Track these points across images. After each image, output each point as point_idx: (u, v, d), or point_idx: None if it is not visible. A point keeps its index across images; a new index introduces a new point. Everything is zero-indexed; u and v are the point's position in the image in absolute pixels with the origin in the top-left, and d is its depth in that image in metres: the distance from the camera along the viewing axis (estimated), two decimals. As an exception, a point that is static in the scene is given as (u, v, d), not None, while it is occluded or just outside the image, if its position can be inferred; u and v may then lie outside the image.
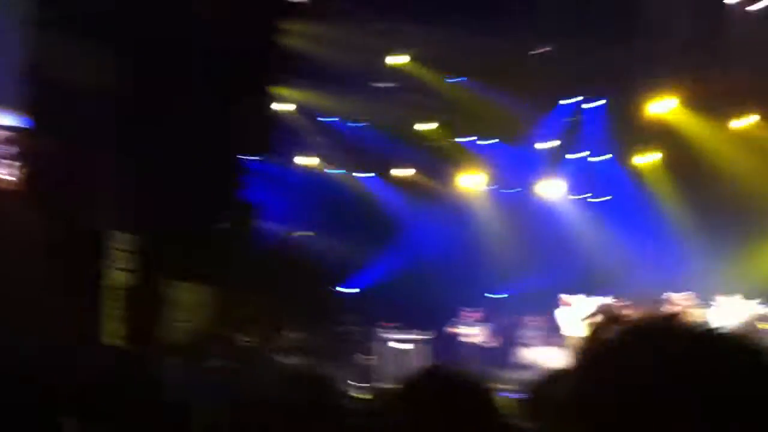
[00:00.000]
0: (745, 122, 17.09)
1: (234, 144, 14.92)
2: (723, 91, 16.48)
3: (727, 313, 15.16)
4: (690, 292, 15.49)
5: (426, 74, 16.58)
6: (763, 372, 1.00)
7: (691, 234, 17.22)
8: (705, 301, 15.52)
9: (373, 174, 18.03)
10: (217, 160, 14.17)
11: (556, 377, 3.53)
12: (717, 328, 1.04)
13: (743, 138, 17.07)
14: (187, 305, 12.94)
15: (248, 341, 12.35)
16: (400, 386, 2.41)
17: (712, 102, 16.72)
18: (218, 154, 14.11)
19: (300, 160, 17.32)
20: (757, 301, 15.30)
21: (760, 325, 14.95)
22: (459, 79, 16.98)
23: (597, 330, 1.09)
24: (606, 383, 1.04)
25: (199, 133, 13.13)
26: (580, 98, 17.59)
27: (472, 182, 18.14)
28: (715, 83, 16.36)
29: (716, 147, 17.06)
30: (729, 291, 15.43)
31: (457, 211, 17.93)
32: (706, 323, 1.03)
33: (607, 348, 1.08)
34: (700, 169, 17.16)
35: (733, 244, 16.29)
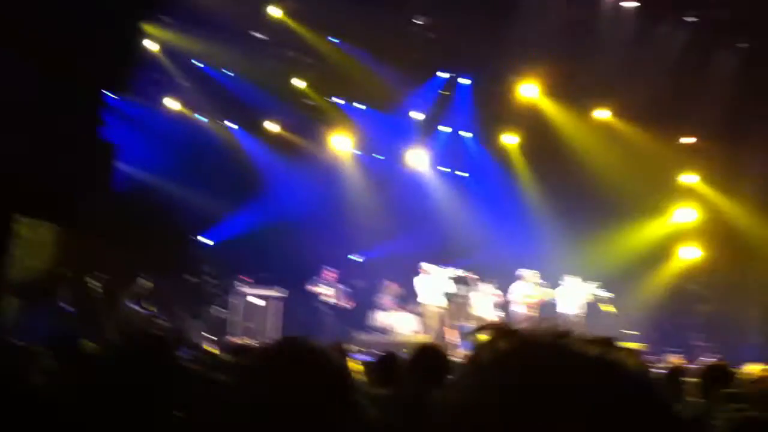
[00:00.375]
0: (602, 114, 17.84)
1: (93, 79, 14.19)
2: (583, 82, 17.16)
3: (570, 293, 15.92)
4: (537, 271, 16.12)
5: (303, 31, 16.30)
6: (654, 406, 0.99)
7: (544, 216, 17.91)
8: (552, 281, 16.21)
9: (240, 125, 17.59)
10: (74, 94, 13.43)
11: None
12: (606, 353, 1.02)
13: (599, 129, 17.84)
14: (34, 243, 12.25)
15: (98, 286, 11.79)
16: (255, 353, 2.46)
17: (572, 92, 17.38)
18: (75, 87, 13.38)
19: (164, 103, 16.64)
20: (596, 284, 16.12)
21: (603, 307, 15.79)
22: (335, 40, 16.81)
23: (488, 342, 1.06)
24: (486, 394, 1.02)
25: (53, 64, 12.40)
26: (451, 74, 17.83)
27: (340, 144, 18.06)
28: (576, 74, 17.01)
29: (573, 135, 17.75)
30: (572, 273, 16.18)
31: (323, 172, 17.82)
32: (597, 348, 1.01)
33: (493, 360, 1.05)
34: (556, 155, 17.81)
35: (580, 230, 17.06)
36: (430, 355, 4.56)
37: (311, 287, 15.72)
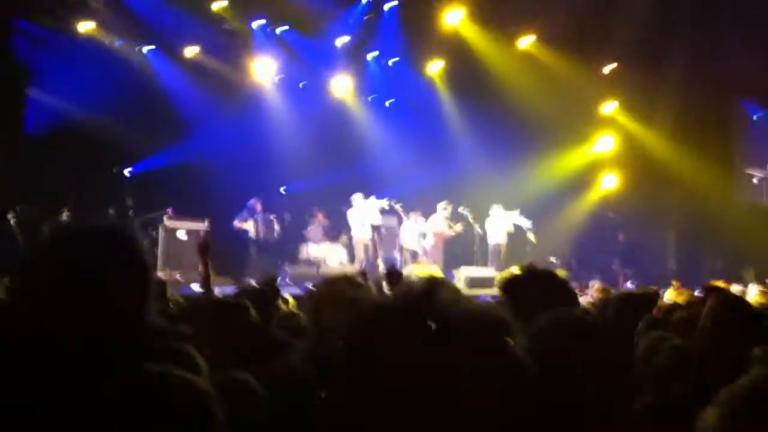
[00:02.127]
0: (526, 40, 17.87)
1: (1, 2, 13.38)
2: (507, 7, 17.10)
3: (497, 222, 16.17)
4: (449, 203, 16.24)
5: (221, -51, 15.65)
6: None
7: (469, 144, 18.02)
8: (479, 210, 16.39)
9: (158, 50, 16.86)
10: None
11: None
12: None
13: (523, 57, 17.90)
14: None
15: (16, 220, 11.32)
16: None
17: (496, 17, 17.31)
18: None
19: (76, 26, 15.77)
20: (516, 212, 16.40)
21: (529, 235, 16.12)
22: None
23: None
24: None
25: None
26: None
27: (262, 71, 17.56)
28: (499, 0, 16.94)
29: (497, 62, 17.76)
30: (497, 202, 16.40)
31: (246, 100, 17.35)
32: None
33: None
34: (480, 82, 17.83)
35: (504, 158, 17.25)
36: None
37: (237, 222, 15.48)
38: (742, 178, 19.14)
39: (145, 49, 16.58)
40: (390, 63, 18.71)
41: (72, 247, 1.84)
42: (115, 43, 16.05)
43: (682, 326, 5.06)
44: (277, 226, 15.49)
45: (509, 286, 3.28)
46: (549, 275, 3.34)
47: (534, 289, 3.14)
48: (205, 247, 5.80)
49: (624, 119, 18.61)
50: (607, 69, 18.55)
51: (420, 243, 16.29)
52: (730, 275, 13.64)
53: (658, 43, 17.23)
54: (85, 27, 15.65)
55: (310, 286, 9.56)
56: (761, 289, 9.66)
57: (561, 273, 11.97)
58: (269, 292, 6.27)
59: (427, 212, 16.52)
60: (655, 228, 18.19)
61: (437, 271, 13.82)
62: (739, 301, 4.90)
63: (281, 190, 17.67)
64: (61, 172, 13.98)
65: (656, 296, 7.72)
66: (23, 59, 14.42)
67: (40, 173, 13.60)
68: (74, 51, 15.18)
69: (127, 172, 15.49)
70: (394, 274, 8.54)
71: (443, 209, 16.25)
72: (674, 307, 8.14)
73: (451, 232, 16.26)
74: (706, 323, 4.28)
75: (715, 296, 5.33)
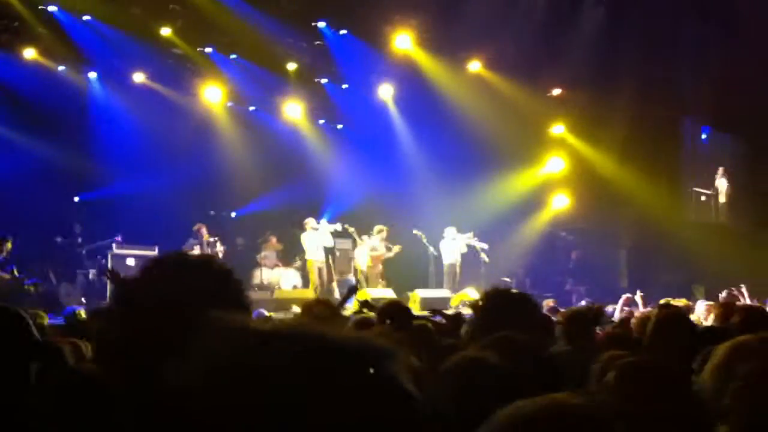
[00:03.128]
0: (474, 66, 18.08)
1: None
2: (454, 33, 17.30)
3: (450, 244, 16.22)
4: (384, 226, 16.27)
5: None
6: None
7: (420, 167, 18.08)
8: (431, 232, 16.41)
9: (103, 76, 16.65)
10: None
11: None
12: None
13: (473, 81, 18.08)
14: None
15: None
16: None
17: (444, 43, 17.50)
18: None
19: (21, 53, 15.50)
20: (470, 234, 16.47)
21: (482, 256, 16.19)
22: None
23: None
24: None
25: None
26: (326, 23, 17.53)
27: (212, 96, 17.45)
28: (447, 25, 17.11)
29: (447, 87, 17.91)
30: (450, 224, 16.47)
31: (197, 125, 17.21)
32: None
33: None
34: (431, 106, 17.96)
35: (456, 181, 17.34)
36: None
37: (186, 247, 15.24)
38: (690, 196, 19.51)
39: (91, 75, 16.37)
40: (339, 87, 18.74)
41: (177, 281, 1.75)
42: (58, 68, 15.80)
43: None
44: (220, 247, 15.21)
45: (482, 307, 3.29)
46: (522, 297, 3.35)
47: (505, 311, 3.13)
48: (113, 277, 5.85)
49: (573, 140, 18.86)
50: (555, 92, 18.82)
51: (376, 266, 16.25)
52: (682, 292, 13.80)
53: (605, 66, 17.52)
54: (30, 54, 15.43)
55: (263, 311, 9.48)
56: (708, 305, 9.77)
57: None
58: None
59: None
60: (606, 246, 18.40)
61: (391, 294, 13.79)
62: (681, 316, 4.97)
63: (232, 214, 17.50)
64: (4, 200, 13.67)
65: (600, 312, 7.82)
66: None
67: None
68: (19, 79, 14.93)
69: (76, 199, 15.23)
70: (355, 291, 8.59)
71: (379, 232, 16.26)
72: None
73: (390, 254, 16.26)
74: (649, 338, 4.33)
75: (659, 312, 5.40)
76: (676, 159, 19.47)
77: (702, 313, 9.45)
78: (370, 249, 16.13)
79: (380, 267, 16.29)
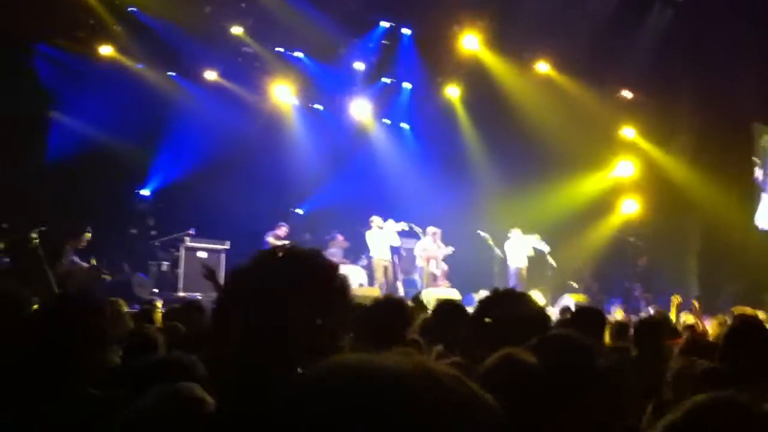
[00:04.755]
0: (542, 67, 17.95)
1: (25, 27, 13.51)
2: (522, 34, 17.20)
3: (516, 246, 16.12)
4: (438, 228, 16.17)
5: (239, -25, 15.82)
6: None
7: (487, 168, 18.01)
8: (498, 234, 16.32)
9: (177, 73, 17.00)
10: (5, 44, 12.81)
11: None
12: None
13: (540, 82, 17.95)
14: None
15: (38, 240, 11.33)
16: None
17: (512, 44, 17.41)
18: (5, 37, 12.75)
19: (98, 50, 15.92)
20: (536, 236, 16.35)
21: (549, 259, 16.06)
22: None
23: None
24: None
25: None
26: (392, 23, 17.62)
27: (281, 94, 17.69)
28: (516, 26, 17.03)
29: (515, 88, 17.82)
30: (516, 226, 16.36)
31: (265, 122, 17.44)
32: None
33: None
34: (498, 107, 17.88)
35: (523, 183, 17.23)
36: (391, 308, 4.47)
37: (271, 237, 15.44)
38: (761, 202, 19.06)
39: (165, 72, 16.73)
40: (405, 86, 18.80)
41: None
42: (137, 66, 16.17)
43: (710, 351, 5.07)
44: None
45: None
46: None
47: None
48: (210, 274, 5.96)
49: (643, 144, 18.58)
50: (624, 94, 18.58)
51: (439, 265, 16.24)
52: (751, 300, 13.51)
53: (673, 68, 17.28)
54: (106, 51, 15.83)
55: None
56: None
57: (580, 298, 12.00)
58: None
59: (447, 235, 16.46)
60: (675, 253, 18.08)
61: (456, 294, 13.77)
62: (757, 326, 4.87)
63: (298, 210, 17.67)
64: (83, 194, 14.04)
65: (668, 321, 7.74)
66: (45, 83, 14.54)
67: (62, 195, 13.66)
68: (95, 74, 15.31)
69: (146, 192, 15.56)
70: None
71: (432, 233, 16.23)
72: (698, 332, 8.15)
73: (441, 255, 16.20)
74: (723, 345, 4.27)
75: (734, 321, 5.32)
76: (746, 165, 19.05)
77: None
78: (422, 249, 16.15)
79: (444, 267, 16.26)
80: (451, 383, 0.98)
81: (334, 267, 1.91)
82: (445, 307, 5.29)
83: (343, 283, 1.88)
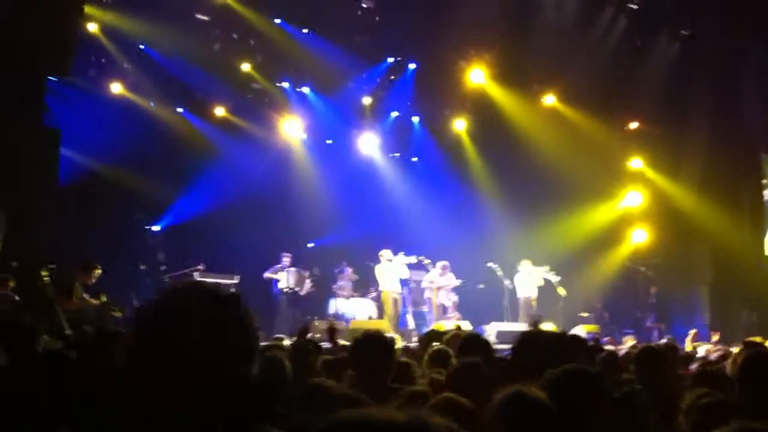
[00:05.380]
0: (549, 99, 18.05)
1: (35, 63, 13.66)
2: (528, 67, 17.32)
3: (525, 277, 16.08)
4: (445, 261, 16.14)
5: (247, 13, 16.00)
6: None
7: (494, 201, 18.03)
8: (507, 265, 16.30)
9: (186, 110, 17.18)
10: (15, 80, 12.93)
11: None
12: None
13: (547, 114, 18.04)
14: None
15: (48, 276, 11.37)
16: None
17: (518, 77, 17.52)
18: (16, 73, 12.88)
19: (108, 87, 16.12)
20: (546, 268, 16.30)
21: (559, 290, 16.02)
22: (279, 21, 16.55)
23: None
24: None
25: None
26: (398, 58, 17.78)
27: (289, 129, 17.83)
28: (522, 59, 17.15)
29: (521, 120, 17.90)
30: (525, 257, 16.32)
31: (273, 157, 17.57)
32: None
33: None
34: (505, 140, 17.95)
35: (531, 215, 17.23)
36: (372, 346, 4.47)
37: (268, 273, 15.53)
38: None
39: (175, 109, 16.90)
40: (412, 120, 18.91)
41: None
42: (148, 103, 16.34)
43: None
44: (308, 282, 15.47)
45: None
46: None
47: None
48: None
49: (651, 174, 18.58)
50: (632, 125, 18.66)
51: (449, 297, 16.21)
52: (764, 331, 13.40)
53: (680, 99, 17.35)
54: (116, 88, 16.02)
55: (339, 341, 9.54)
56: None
57: (592, 328, 11.95)
58: (307, 343, 6.35)
59: (456, 268, 16.45)
60: (686, 282, 18.00)
61: (467, 326, 13.72)
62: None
63: (309, 244, 17.71)
64: (93, 230, 14.11)
65: (674, 349, 7.67)
66: (56, 120, 14.68)
67: (72, 232, 13.73)
68: (105, 111, 15.48)
69: (155, 226, 15.63)
70: (334, 330, 8.89)
71: (441, 266, 16.23)
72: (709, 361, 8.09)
73: (449, 286, 16.18)
74: (737, 376, 4.25)
75: (746, 350, 5.28)
76: (755, 192, 18.99)
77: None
78: (429, 282, 16.16)
79: (454, 298, 16.24)
80: None
81: (237, 297, 1.79)
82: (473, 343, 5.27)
83: (247, 315, 1.77)
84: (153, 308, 1.76)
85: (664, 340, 13.95)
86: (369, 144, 18.47)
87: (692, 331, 10.94)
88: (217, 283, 14.61)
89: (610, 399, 2.58)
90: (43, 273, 11.33)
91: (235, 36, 16.58)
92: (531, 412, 2.42)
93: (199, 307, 1.70)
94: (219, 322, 1.70)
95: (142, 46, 16.12)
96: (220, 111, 17.21)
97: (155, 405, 1.65)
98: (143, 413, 1.66)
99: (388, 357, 4.37)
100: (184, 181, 16.14)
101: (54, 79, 14.97)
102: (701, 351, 10.05)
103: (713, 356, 8.56)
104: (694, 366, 7.34)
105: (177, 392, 1.64)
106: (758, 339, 9.79)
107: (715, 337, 11.66)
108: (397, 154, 19.35)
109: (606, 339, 13.17)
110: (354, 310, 16.00)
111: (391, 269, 15.51)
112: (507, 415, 2.44)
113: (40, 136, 14.01)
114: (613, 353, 7.35)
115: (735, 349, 8.84)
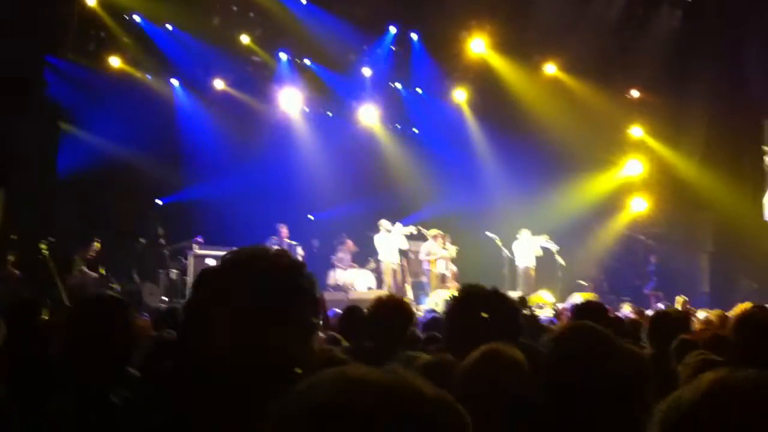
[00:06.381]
0: (550, 69, 17.96)
1: (33, 40, 13.68)
2: (530, 37, 17.23)
3: (525, 246, 16.13)
4: (440, 231, 16.18)
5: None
6: None
7: (495, 170, 18.02)
8: (507, 235, 16.33)
9: (185, 83, 17.13)
10: (15, 56, 12.96)
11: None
12: None
13: (548, 84, 17.96)
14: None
15: (48, 250, 11.47)
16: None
17: (520, 46, 17.44)
18: (15, 49, 12.91)
19: (110, 63, 16.08)
20: (545, 237, 16.33)
21: (558, 258, 16.06)
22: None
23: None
24: None
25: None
26: (400, 29, 17.68)
27: (289, 101, 17.78)
28: (523, 29, 17.06)
29: (523, 90, 17.82)
30: (525, 226, 16.36)
31: (273, 130, 17.55)
32: None
33: None
34: (506, 110, 17.90)
35: (532, 184, 17.22)
36: (391, 308, 4.51)
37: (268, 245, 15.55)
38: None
39: (174, 82, 16.87)
40: (414, 91, 18.86)
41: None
42: (146, 77, 16.33)
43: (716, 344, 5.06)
44: (300, 252, 15.45)
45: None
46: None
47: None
48: None
49: (652, 143, 18.53)
50: (633, 93, 18.56)
51: (448, 267, 16.27)
52: (764, 298, 13.41)
53: (682, 67, 17.24)
54: (115, 62, 15.99)
55: (337, 310, 9.62)
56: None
57: (590, 296, 11.96)
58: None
59: (456, 237, 16.50)
60: (687, 251, 18.00)
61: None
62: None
63: (310, 216, 17.77)
64: (92, 204, 14.18)
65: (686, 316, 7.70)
66: (56, 96, 14.70)
67: (71, 206, 13.80)
68: (105, 87, 15.48)
69: (158, 201, 15.68)
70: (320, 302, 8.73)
71: (433, 236, 16.26)
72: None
73: (446, 256, 16.22)
74: (733, 339, 4.29)
75: (742, 313, 5.31)
76: (757, 160, 18.91)
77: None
78: (426, 252, 16.21)
79: (453, 268, 16.30)
80: (428, 396, 1.03)
81: (300, 265, 1.84)
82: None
83: (309, 282, 1.81)
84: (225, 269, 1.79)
85: (662, 306, 14.05)
86: (369, 115, 18.43)
87: (681, 299, 11.00)
88: (217, 255, 14.74)
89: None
90: (42, 246, 11.44)
91: (234, 8, 16.53)
92: (506, 369, 2.44)
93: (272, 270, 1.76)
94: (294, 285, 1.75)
95: (140, 20, 16.06)
96: (219, 84, 17.17)
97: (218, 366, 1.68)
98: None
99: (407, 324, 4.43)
100: (184, 154, 16.14)
101: (53, 55, 15.04)
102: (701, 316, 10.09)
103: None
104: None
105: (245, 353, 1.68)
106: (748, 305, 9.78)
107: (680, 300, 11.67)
108: (398, 126, 19.30)
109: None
110: (353, 281, 16.08)
111: (391, 240, 15.56)
112: (482, 371, 2.45)
113: (40, 111, 14.09)
114: (620, 319, 7.42)
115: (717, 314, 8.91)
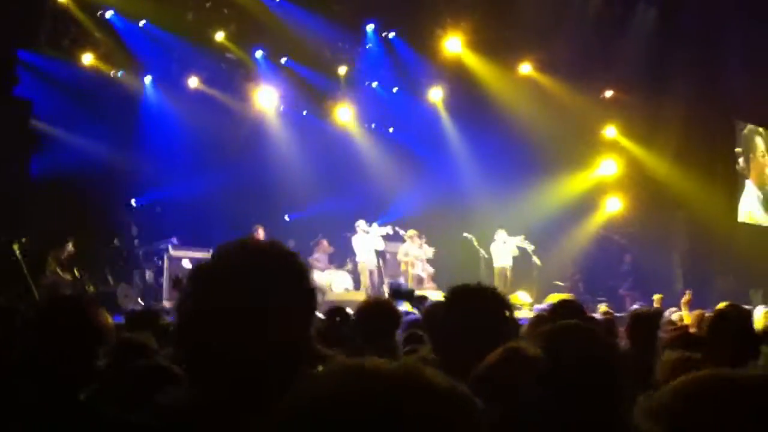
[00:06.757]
0: (525, 68, 18.02)
1: (4, 35, 13.44)
2: (505, 36, 17.26)
3: (502, 246, 16.19)
4: (417, 231, 16.24)
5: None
6: None
7: (471, 170, 18.03)
8: (483, 235, 16.38)
9: (159, 80, 16.92)
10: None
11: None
12: None
13: (524, 83, 18.01)
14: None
15: (21, 250, 11.29)
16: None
17: (495, 46, 17.46)
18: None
19: (83, 59, 15.83)
20: (521, 237, 16.41)
21: (534, 259, 16.13)
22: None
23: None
24: None
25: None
26: (376, 27, 17.63)
27: (265, 100, 17.64)
28: (498, 28, 17.09)
29: (498, 89, 17.86)
30: (501, 226, 16.42)
31: (249, 129, 17.41)
32: None
33: None
34: (482, 109, 17.93)
35: (508, 184, 17.26)
36: (377, 311, 4.51)
37: None
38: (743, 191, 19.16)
39: (147, 79, 16.65)
40: (389, 90, 18.81)
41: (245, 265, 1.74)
42: (118, 74, 16.11)
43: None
44: None
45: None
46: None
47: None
48: (177, 283, 5.95)
49: (626, 143, 18.66)
50: (607, 94, 18.68)
51: (425, 268, 16.29)
52: (739, 296, 13.56)
53: (657, 67, 17.38)
54: (88, 59, 15.74)
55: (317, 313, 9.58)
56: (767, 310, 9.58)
57: (566, 296, 11.98)
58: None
59: (432, 238, 16.51)
60: (661, 250, 18.17)
61: (439, 296, 13.78)
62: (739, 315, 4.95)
63: (285, 217, 17.66)
64: (65, 204, 13.97)
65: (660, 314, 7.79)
66: (28, 93, 14.47)
67: (44, 206, 13.59)
68: (78, 84, 15.25)
69: (132, 202, 15.50)
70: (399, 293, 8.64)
71: (410, 237, 16.30)
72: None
73: (422, 256, 16.26)
74: (708, 338, 4.37)
75: (716, 312, 5.40)
76: (729, 160, 19.15)
77: (759, 318, 9.26)
78: (404, 254, 16.23)
79: (430, 270, 16.33)
80: (442, 387, 1.03)
81: (293, 254, 1.82)
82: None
83: (302, 270, 1.79)
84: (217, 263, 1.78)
85: (636, 306, 14.14)
86: (345, 115, 18.35)
87: (657, 296, 11.15)
88: (192, 257, 14.63)
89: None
90: (15, 247, 11.26)
91: (208, 5, 16.35)
92: (526, 368, 2.40)
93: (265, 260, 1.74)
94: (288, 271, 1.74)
95: (113, 16, 15.82)
96: (194, 82, 16.97)
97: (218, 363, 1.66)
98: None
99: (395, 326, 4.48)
100: (159, 153, 15.94)
101: (24, 50, 14.78)
102: (674, 316, 10.16)
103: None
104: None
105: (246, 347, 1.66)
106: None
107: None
108: (373, 125, 19.24)
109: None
110: (330, 282, 16.03)
111: (367, 240, 15.54)
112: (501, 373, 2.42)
113: (12, 108, 13.85)
114: (595, 319, 7.44)
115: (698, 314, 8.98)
